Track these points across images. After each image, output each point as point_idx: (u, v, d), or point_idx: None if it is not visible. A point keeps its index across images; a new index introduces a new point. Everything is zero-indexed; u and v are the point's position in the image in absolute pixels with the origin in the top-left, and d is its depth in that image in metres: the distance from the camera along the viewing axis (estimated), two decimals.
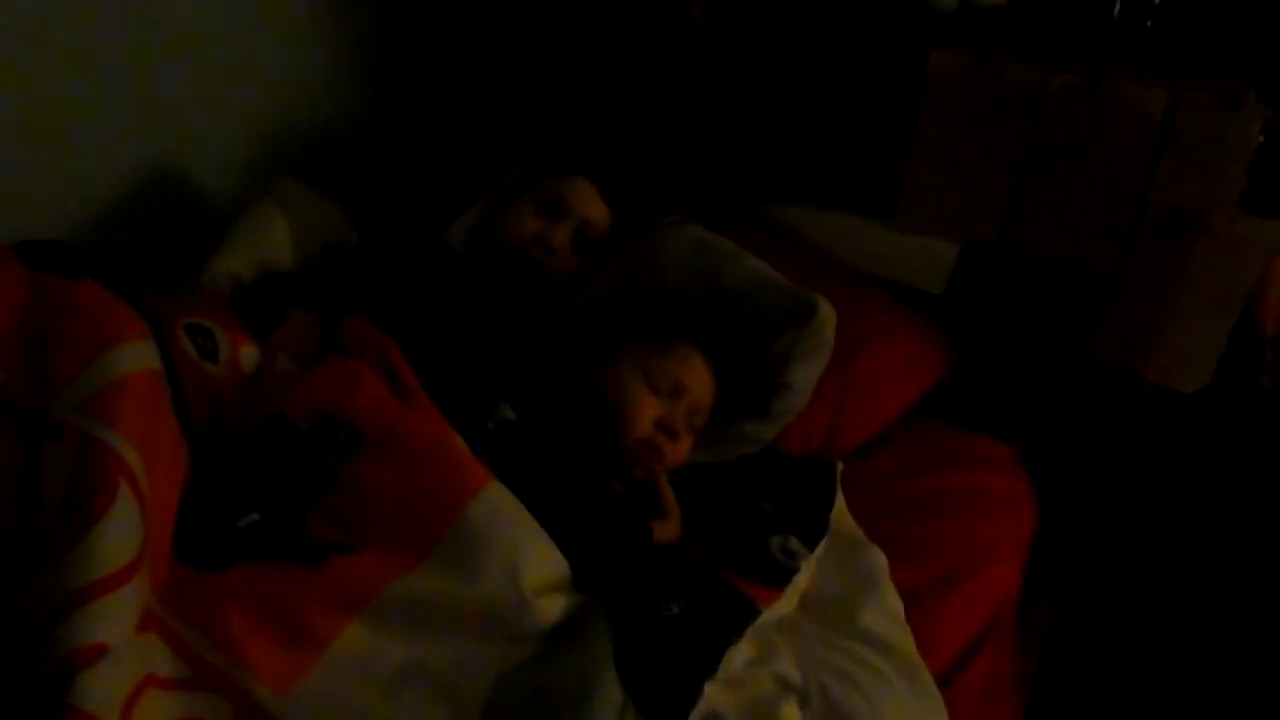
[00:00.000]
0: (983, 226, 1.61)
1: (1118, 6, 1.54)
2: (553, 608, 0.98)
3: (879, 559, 1.25)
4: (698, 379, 1.32)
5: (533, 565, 0.99)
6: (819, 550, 1.20)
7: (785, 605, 1.11)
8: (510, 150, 1.84)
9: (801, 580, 1.15)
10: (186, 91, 1.65)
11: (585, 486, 1.13)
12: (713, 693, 0.98)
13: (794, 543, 1.16)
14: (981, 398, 1.69)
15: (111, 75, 1.53)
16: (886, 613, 1.18)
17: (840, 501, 1.34)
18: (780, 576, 1.13)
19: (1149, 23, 1.52)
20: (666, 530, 1.21)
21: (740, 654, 1.03)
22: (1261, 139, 1.41)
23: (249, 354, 1.19)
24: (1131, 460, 1.65)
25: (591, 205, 1.57)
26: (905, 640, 1.16)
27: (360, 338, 1.22)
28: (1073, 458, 1.67)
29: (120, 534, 0.88)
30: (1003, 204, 1.58)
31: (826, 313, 1.39)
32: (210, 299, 1.40)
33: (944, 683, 1.17)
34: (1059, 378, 1.67)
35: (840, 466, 1.38)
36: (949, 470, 1.54)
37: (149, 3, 1.56)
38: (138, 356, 1.01)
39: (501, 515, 1.00)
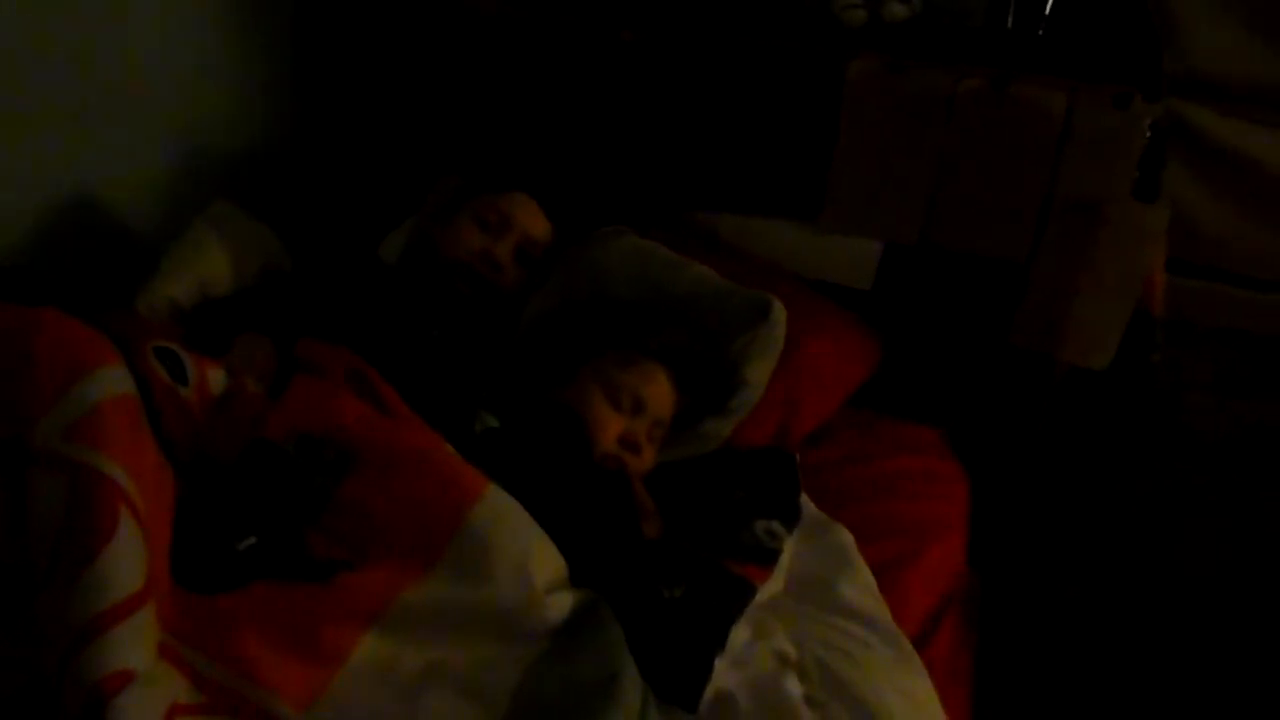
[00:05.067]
0: (905, 225, 1.71)
1: (1010, 17, 1.67)
2: (562, 604, 0.99)
3: (846, 537, 1.32)
4: (659, 393, 1.36)
5: (540, 565, 1.00)
6: (796, 532, 1.25)
7: (775, 583, 1.16)
8: (436, 167, 1.85)
9: (784, 560, 1.20)
10: (95, 118, 1.60)
11: (577, 485, 1.16)
12: (719, 672, 1.02)
13: (777, 525, 1.21)
14: (908, 387, 1.79)
15: (18, 102, 1.47)
16: (862, 586, 1.24)
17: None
18: (767, 557, 1.18)
19: (1040, 32, 1.66)
20: (647, 529, 1.24)
21: (741, 632, 1.07)
22: (1149, 135, 1.55)
23: (216, 377, 1.16)
24: (1050, 436, 1.77)
25: (532, 219, 1.60)
26: (883, 610, 1.22)
27: (326, 357, 1.21)
28: (995, 439, 1.78)
29: (127, 558, 0.86)
30: (922, 203, 1.68)
31: (780, 311, 1.46)
32: (158, 325, 1.36)
33: None
34: (980, 365, 1.78)
35: (798, 457, 1.44)
36: (886, 455, 1.63)
37: (53, 29, 1.51)
38: (114, 382, 0.98)
39: (505, 518, 1.01)
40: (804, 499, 1.38)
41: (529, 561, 0.99)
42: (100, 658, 0.79)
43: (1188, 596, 1.75)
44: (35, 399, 0.93)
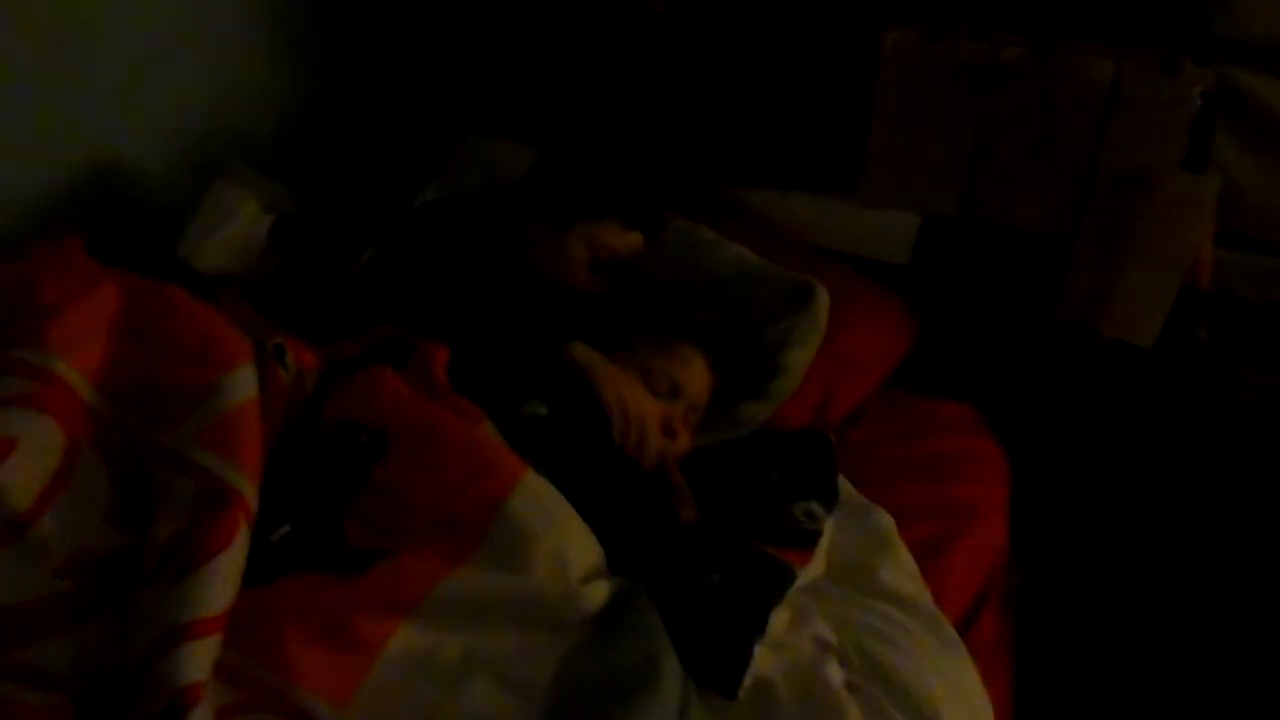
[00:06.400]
0: (943, 198, 1.67)
1: None
2: (599, 593, 0.97)
3: (886, 519, 1.29)
4: (696, 378, 1.34)
5: (578, 554, 0.99)
6: (835, 513, 1.22)
7: (816, 567, 1.14)
8: (456, 133, 1.84)
9: (824, 543, 1.18)
10: (122, 87, 1.61)
11: (613, 470, 1.14)
12: (760, 655, 1.00)
13: (816, 506, 1.19)
14: (947, 365, 1.75)
15: (49, 73, 1.48)
16: (903, 570, 1.22)
17: None
18: (807, 540, 1.15)
19: None
20: (684, 513, 1.22)
21: (781, 617, 1.05)
22: (1200, 103, 1.50)
23: (311, 371, 1.12)
24: (1094, 416, 1.73)
25: (622, 238, 1.51)
26: (924, 595, 1.20)
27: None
28: (1037, 418, 1.74)
29: (231, 577, 0.86)
30: (961, 175, 1.64)
31: (823, 298, 1.45)
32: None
33: None
34: (1021, 341, 1.73)
35: (834, 437, 1.41)
36: (923, 435, 1.59)
37: (86, 4, 1.52)
38: (247, 382, 0.97)
39: (543, 506, 0.99)
40: (842, 480, 1.35)
41: (567, 551, 0.98)
42: (190, 663, 0.79)
43: (1237, 578, 1.70)
44: (179, 396, 0.93)
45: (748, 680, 0.97)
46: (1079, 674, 1.70)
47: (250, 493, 0.89)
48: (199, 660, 0.80)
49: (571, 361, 1.23)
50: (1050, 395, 1.74)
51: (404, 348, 1.13)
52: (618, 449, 1.18)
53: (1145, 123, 1.51)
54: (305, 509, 0.97)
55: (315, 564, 0.94)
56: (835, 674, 1.03)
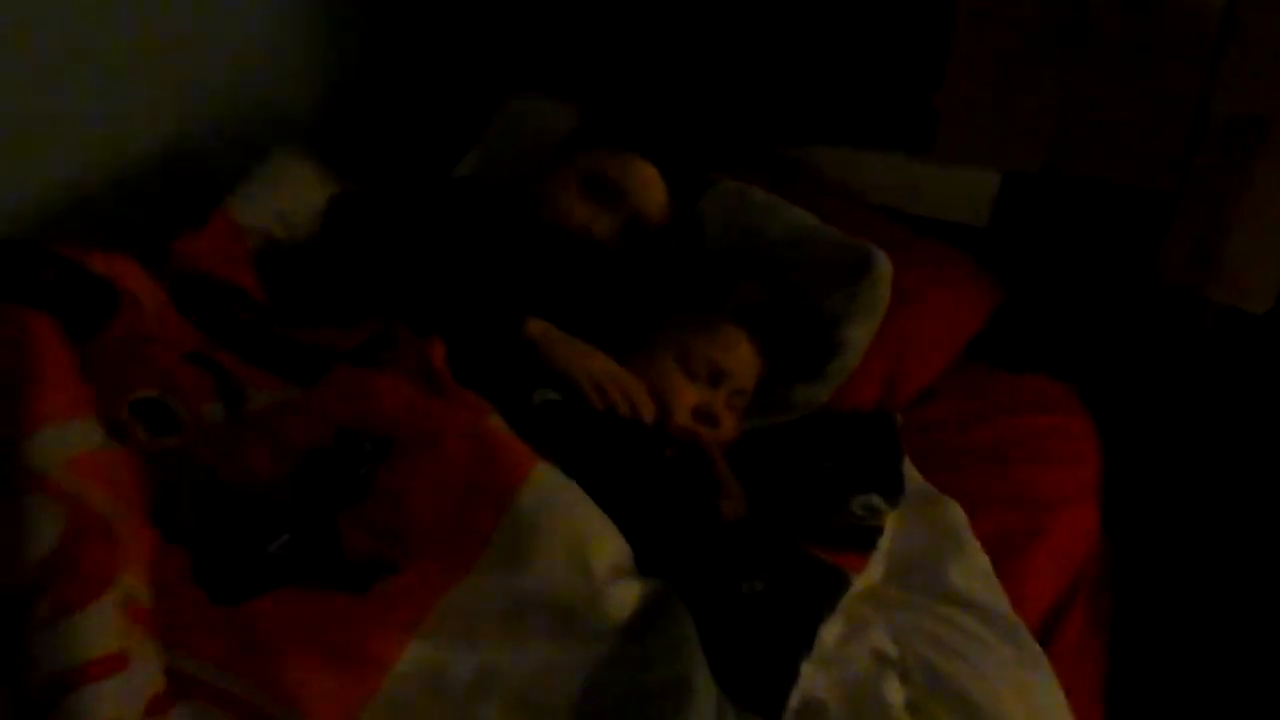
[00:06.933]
0: (1027, 152, 1.52)
1: None
2: (626, 596, 0.89)
3: (957, 512, 1.17)
4: (740, 362, 1.22)
5: (599, 549, 0.89)
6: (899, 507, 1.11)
7: (875, 570, 1.03)
8: (500, 94, 1.78)
9: (884, 542, 1.06)
10: (171, 67, 1.61)
11: (642, 460, 1.03)
12: (807, 674, 0.89)
13: (876, 500, 1.07)
14: (1030, 335, 1.61)
15: (99, 50, 1.48)
16: (975, 570, 1.09)
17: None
18: (865, 539, 1.04)
19: None
20: (729, 507, 1.11)
21: (833, 629, 0.94)
22: None
23: (212, 411, 1.01)
24: (1200, 391, 1.57)
25: (647, 194, 1.39)
26: (999, 598, 1.07)
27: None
28: (1134, 393, 1.60)
29: (111, 617, 0.78)
30: (1048, 126, 1.49)
31: (884, 266, 1.31)
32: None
33: None
34: (1116, 308, 1.59)
35: (899, 418, 1.29)
36: (1003, 414, 1.45)
37: None
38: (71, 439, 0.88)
39: (558, 497, 0.91)
40: (911, 468, 1.23)
41: (586, 544, 0.89)
42: (93, 709, 0.72)
43: None
44: (34, 412, 0.86)
45: (793, 703, 0.87)
46: (1178, 679, 1.55)
47: (126, 532, 0.82)
48: (104, 703, 0.72)
49: (527, 339, 1.14)
50: (1150, 368, 1.60)
51: (391, 340, 1.04)
52: (637, 430, 1.08)
53: (1266, 58, 1.34)
54: (305, 517, 0.89)
55: (316, 577, 0.86)
56: (895, 692, 0.92)
